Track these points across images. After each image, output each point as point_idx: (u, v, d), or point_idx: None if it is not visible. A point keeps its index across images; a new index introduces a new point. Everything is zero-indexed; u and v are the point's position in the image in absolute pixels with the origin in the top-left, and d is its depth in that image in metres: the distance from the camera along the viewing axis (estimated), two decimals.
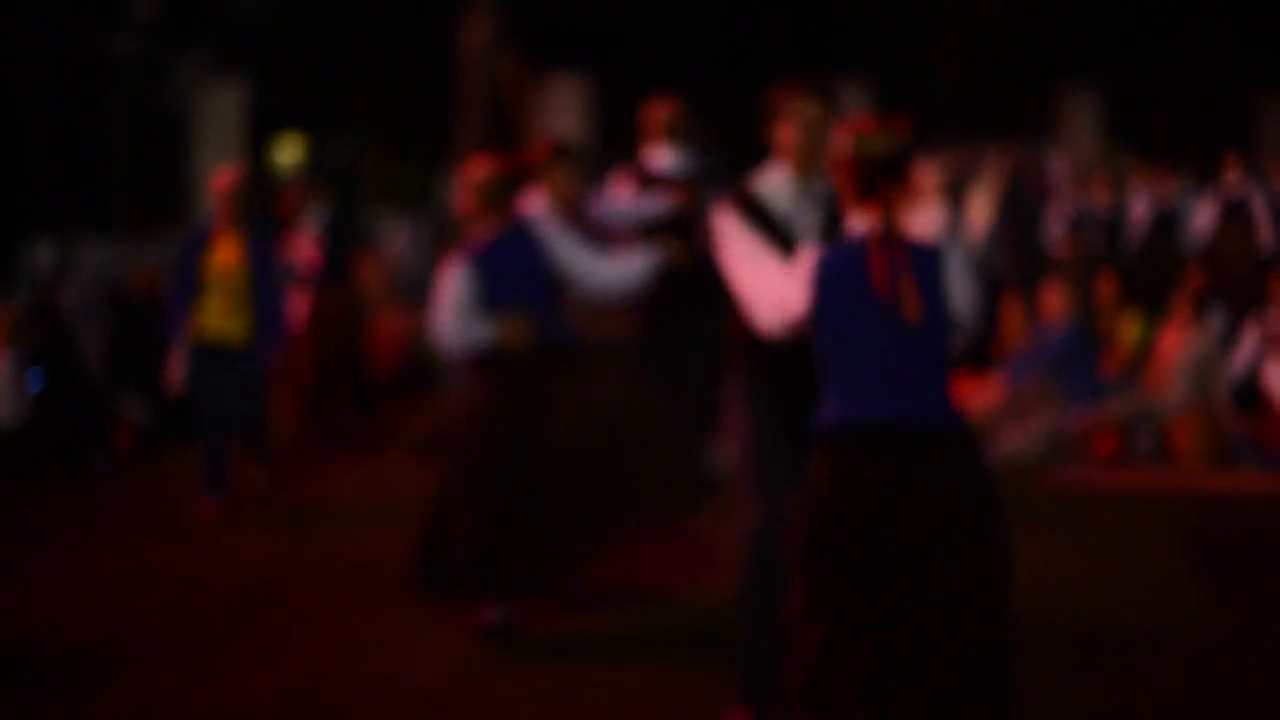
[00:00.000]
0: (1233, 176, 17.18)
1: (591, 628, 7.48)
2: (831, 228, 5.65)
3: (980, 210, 14.72)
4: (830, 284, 4.88)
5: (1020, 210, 14.87)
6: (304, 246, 12.37)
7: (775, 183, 5.79)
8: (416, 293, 19.49)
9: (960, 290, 4.89)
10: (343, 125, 25.02)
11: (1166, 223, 17.36)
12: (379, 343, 15.81)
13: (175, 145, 21.35)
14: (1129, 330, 13.79)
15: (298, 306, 12.44)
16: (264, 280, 10.03)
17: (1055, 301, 12.83)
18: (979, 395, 13.10)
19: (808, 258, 4.98)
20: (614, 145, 24.78)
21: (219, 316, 9.96)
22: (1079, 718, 6.15)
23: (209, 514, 9.94)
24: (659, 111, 9.61)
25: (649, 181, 9.40)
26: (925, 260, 4.86)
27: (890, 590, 4.64)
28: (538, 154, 8.15)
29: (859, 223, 4.94)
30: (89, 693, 6.67)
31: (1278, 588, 8.08)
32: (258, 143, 24.21)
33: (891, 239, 4.84)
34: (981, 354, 14.25)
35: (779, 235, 5.66)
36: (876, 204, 4.88)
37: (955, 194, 14.73)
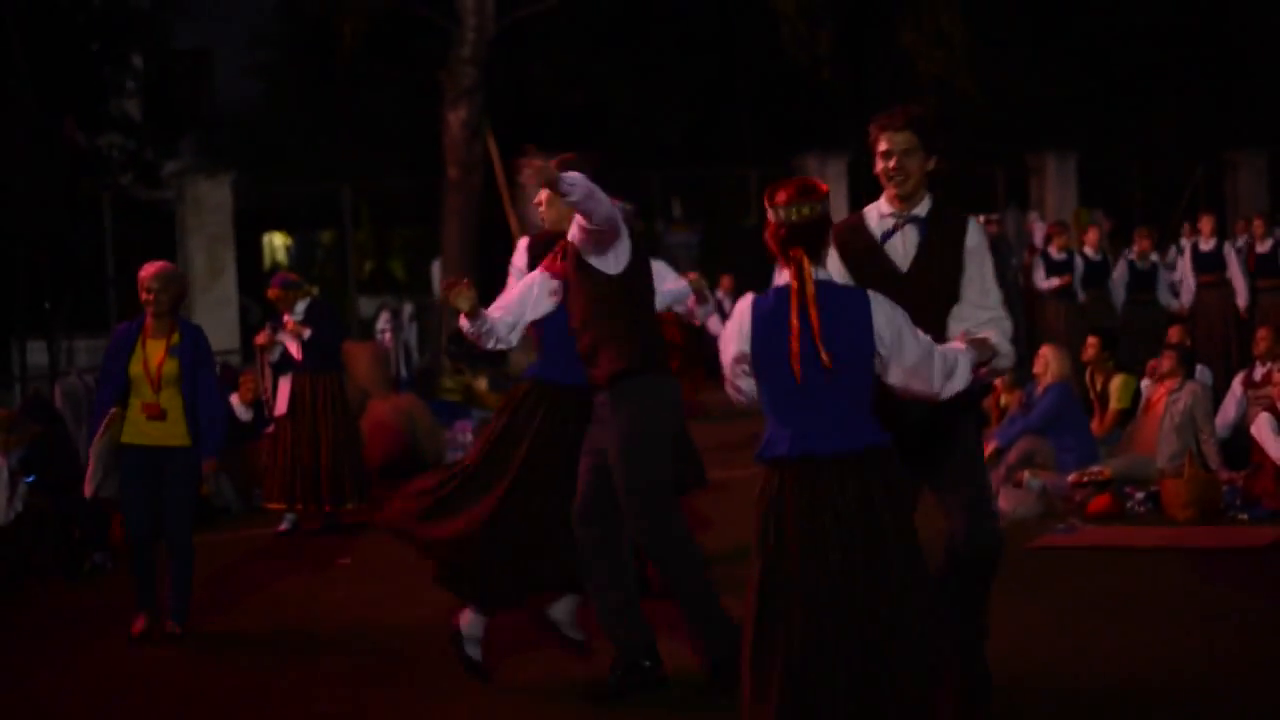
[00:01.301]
0: (1206, 236, 17.45)
1: None
2: (926, 252, 6.09)
3: None
4: (759, 328, 5.43)
5: (1003, 275, 14.95)
6: (288, 334, 12.39)
7: (875, 212, 6.30)
8: (409, 380, 19.60)
9: (891, 328, 5.35)
10: (331, 217, 25.12)
11: (1146, 280, 17.58)
12: (371, 430, 15.88)
13: (164, 240, 21.48)
14: (1117, 389, 13.88)
15: (283, 393, 12.51)
16: (197, 381, 9.12)
17: (1044, 362, 12.93)
18: None
19: (742, 304, 5.49)
20: None
21: (142, 419, 9.08)
22: None
23: (135, 632, 9.13)
24: None
25: None
26: (846, 306, 5.35)
27: (799, 599, 5.27)
28: None
29: (782, 276, 5.42)
30: None
31: (1276, 639, 8.10)
32: (247, 235, 24.37)
33: (805, 292, 5.32)
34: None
35: (875, 260, 6.14)
36: (792, 262, 5.37)
37: None
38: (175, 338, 9.10)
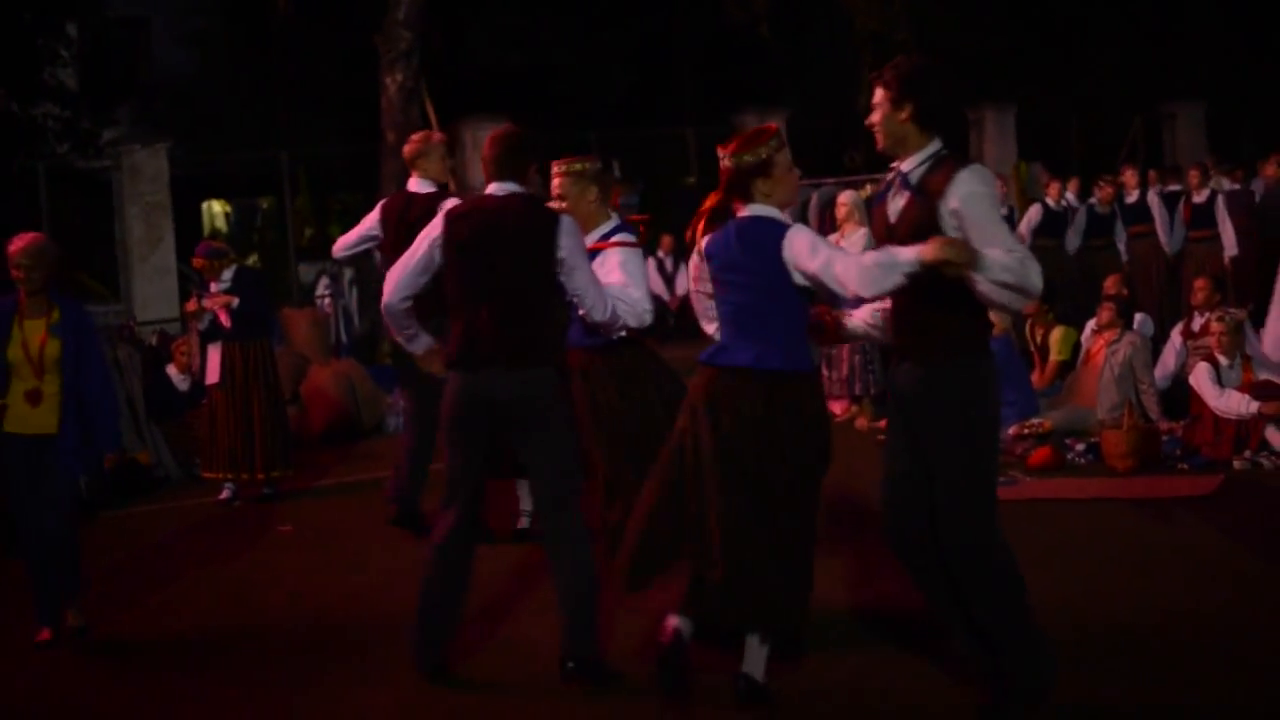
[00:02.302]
0: (1131, 188, 17.52)
1: None
2: (909, 208, 6.11)
3: None
4: (710, 260, 6.57)
5: None
6: (214, 303, 12.29)
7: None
8: (349, 346, 19.48)
9: (807, 258, 6.23)
10: (270, 184, 24.95)
11: (1105, 225, 17.63)
12: (311, 396, 15.80)
13: (102, 209, 21.28)
14: (1057, 341, 13.91)
15: (213, 362, 12.40)
16: (81, 362, 8.32)
17: None
18: None
19: (702, 243, 6.59)
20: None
21: (24, 406, 8.30)
22: None
23: (40, 640, 8.45)
24: None
25: None
26: (764, 239, 6.37)
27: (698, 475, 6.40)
28: None
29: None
30: None
31: (1219, 586, 8.13)
32: (186, 203, 24.16)
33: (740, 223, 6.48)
34: None
35: (878, 215, 6.31)
36: (740, 199, 6.50)
37: None
38: (55, 315, 8.28)
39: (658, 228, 22.37)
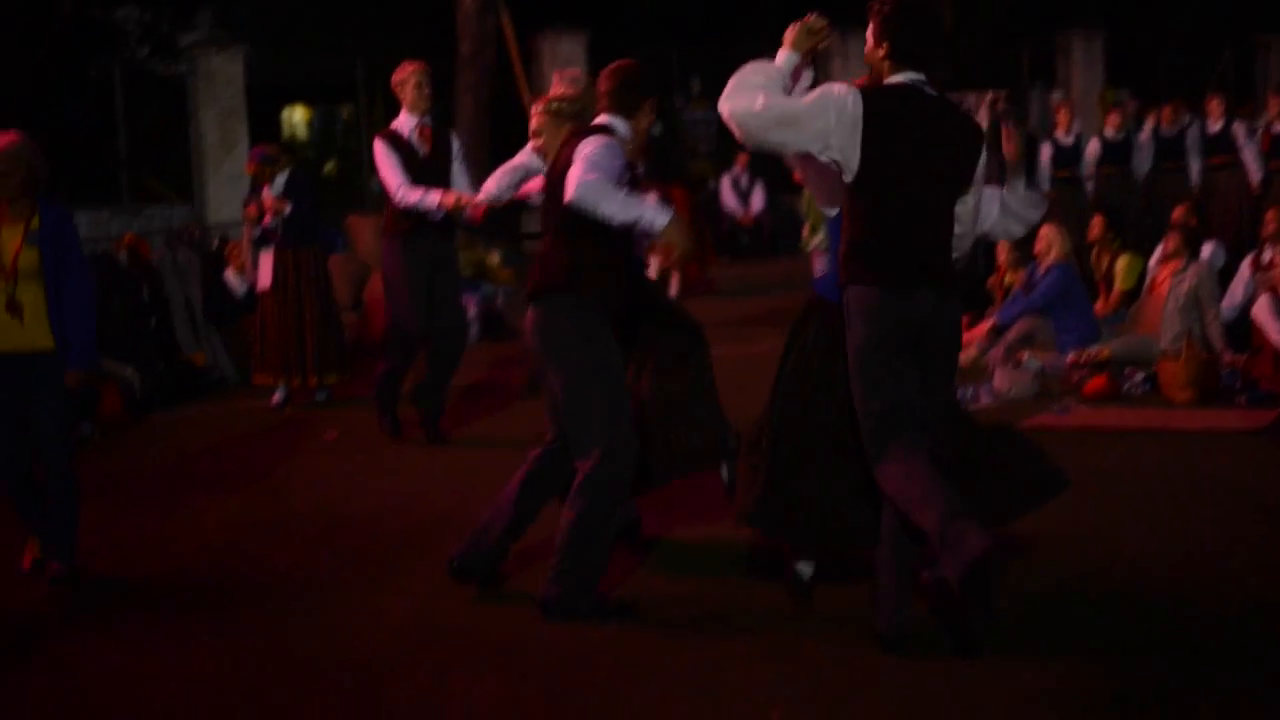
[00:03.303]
0: (1215, 118, 17.14)
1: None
2: None
3: None
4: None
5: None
6: (262, 207, 12.26)
7: None
8: None
9: None
10: (348, 92, 24.88)
11: (1172, 148, 17.28)
12: (372, 303, 15.77)
13: (177, 114, 21.28)
14: (1122, 269, 13.66)
15: (264, 267, 12.41)
16: (62, 273, 7.60)
17: (1045, 241, 12.71)
18: (971, 337, 13.02)
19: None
20: None
21: (3, 315, 7.56)
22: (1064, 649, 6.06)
23: (26, 563, 8.04)
24: None
25: None
26: None
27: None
28: None
29: None
30: (20, 661, 6.71)
31: (1256, 524, 7.94)
32: (265, 109, 24.13)
33: None
34: (976, 296, 14.15)
35: None
36: None
37: None
38: (35, 222, 7.57)
39: (732, 146, 22.17)
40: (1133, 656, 6.00)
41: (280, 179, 12.42)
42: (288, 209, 12.17)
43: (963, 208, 6.32)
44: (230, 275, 14.10)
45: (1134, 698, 5.58)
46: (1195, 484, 8.74)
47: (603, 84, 6.93)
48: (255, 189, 12.51)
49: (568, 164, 6.59)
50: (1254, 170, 17.09)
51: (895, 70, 6.16)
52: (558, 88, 7.99)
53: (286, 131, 29.39)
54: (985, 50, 25.03)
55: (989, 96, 14.94)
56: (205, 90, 20.98)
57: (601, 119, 6.87)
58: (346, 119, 29.49)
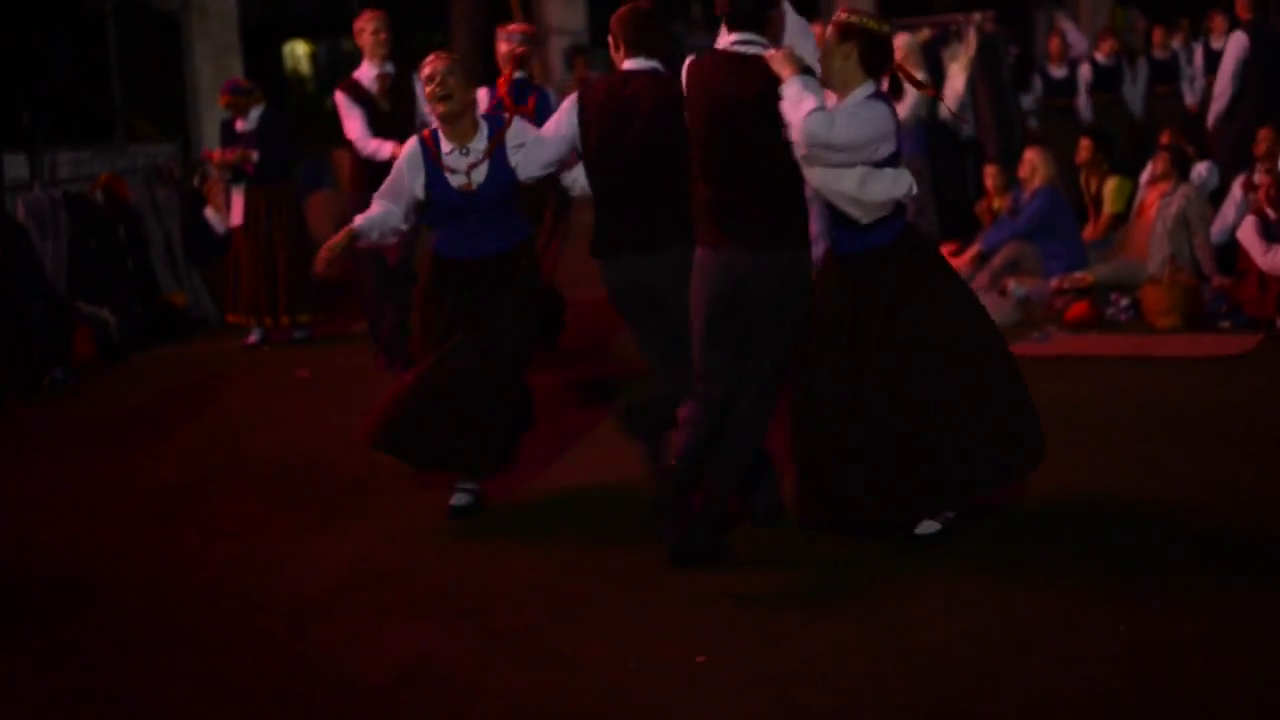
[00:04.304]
0: (1218, 34, 16.79)
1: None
2: None
3: (957, 78, 14.31)
4: None
5: (997, 76, 14.44)
6: (227, 157, 12.15)
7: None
8: None
9: None
10: (345, 26, 24.63)
11: (1166, 71, 16.98)
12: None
13: (171, 50, 21.08)
14: (1111, 192, 13.43)
15: (236, 205, 12.29)
16: None
17: (1030, 166, 12.49)
18: (956, 262, 12.82)
19: None
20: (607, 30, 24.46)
21: None
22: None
23: None
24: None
25: None
26: None
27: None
28: None
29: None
30: None
31: (1227, 452, 7.77)
32: (265, 44, 23.90)
33: None
34: (963, 221, 13.97)
35: None
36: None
37: (933, 62, 14.31)
38: None
39: None
40: (1068, 584, 5.86)
41: (254, 113, 12.28)
42: (255, 156, 12.04)
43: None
44: (210, 213, 13.95)
45: (1065, 626, 5.45)
46: (1166, 412, 8.58)
47: (629, 29, 6.74)
48: (229, 123, 12.35)
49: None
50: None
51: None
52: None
53: (289, 66, 29.19)
54: None
55: (975, 17, 14.67)
56: (199, 26, 20.78)
57: (627, 64, 6.73)
58: (348, 52, 29.29)
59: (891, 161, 6.24)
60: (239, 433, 9.55)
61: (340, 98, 10.48)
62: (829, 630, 5.62)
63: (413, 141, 7.06)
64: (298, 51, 29.64)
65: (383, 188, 7.18)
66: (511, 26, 10.13)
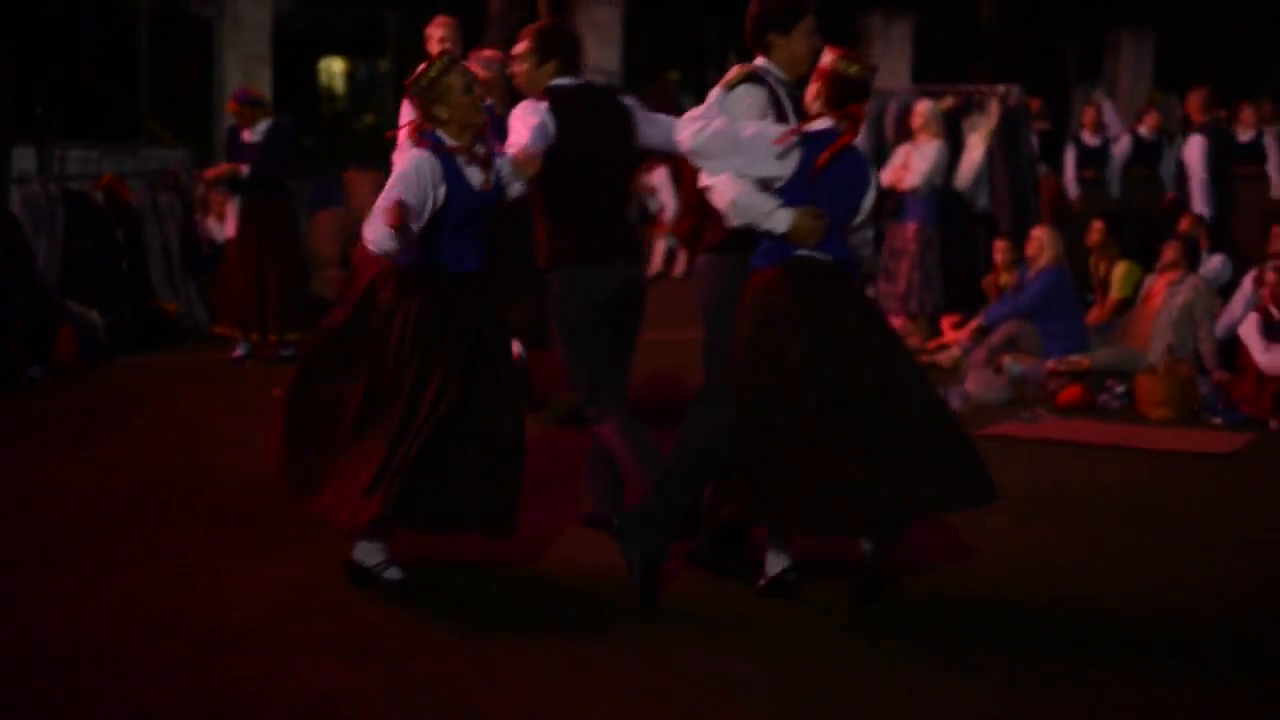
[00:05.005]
0: (1246, 125, 16.59)
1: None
2: None
3: (975, 148, 14.15)
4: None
5: (1016, 151, 14.27)
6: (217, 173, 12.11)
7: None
8: None
9: None
10: (379, 45, 24.62)
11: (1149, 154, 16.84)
12: (361, 261, 15.49)
13: (202, 55, 21.03)
14: (1119, 277, 13.24)
15: (230, 215, 12.20)
16: None
17: (1037, 244, 12.32)
18: (957, 337, 12.67)
19: None
20: (642, 71, 24.36)
21: None
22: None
23: None
24: None
25: None
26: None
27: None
28: None
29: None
30: None
31: (1210, 554, 7.57)
32: (300, 59, 23.86)
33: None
34: (969, 293, 13.81)
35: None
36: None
37: (953, 132, 14.15)
38: None
39: None
40: (1021, 672, 5.67)
41: (261, 126, 12.17)
42: (245, 170, 11.96)
43: None
44: (212, 223, 13.85)
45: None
46: (1153, 507, 8.38)
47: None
48: (235, 131, 12.25)
49: None
50: (1278, 183, 16.59)
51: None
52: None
53: (324, 82, 29.16)
54: (1030, 46, 24.58)
55: (1000, 89, 14.51)
56: (231, 34, 20.74)
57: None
58: (384, 73, 29.25)
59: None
60: (202, 447, 9.40)
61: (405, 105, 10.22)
62: (765, 709, 5.43)
63: (423, 154, 6.65)
64: (334, 68, 29.62)
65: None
66: (486, 53, 9.97)
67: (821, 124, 6.40)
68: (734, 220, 6.39)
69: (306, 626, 6.21)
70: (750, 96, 6.53)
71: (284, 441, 6.68)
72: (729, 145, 6.35)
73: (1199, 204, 14.43)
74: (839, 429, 6.19)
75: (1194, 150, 14.77)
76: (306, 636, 6.09)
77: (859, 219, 6.55)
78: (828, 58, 6.39)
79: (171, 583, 6.73)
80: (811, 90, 6.44)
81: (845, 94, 6.36)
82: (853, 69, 6.35)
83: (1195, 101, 15.25)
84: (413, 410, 6.41)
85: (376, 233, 6.28)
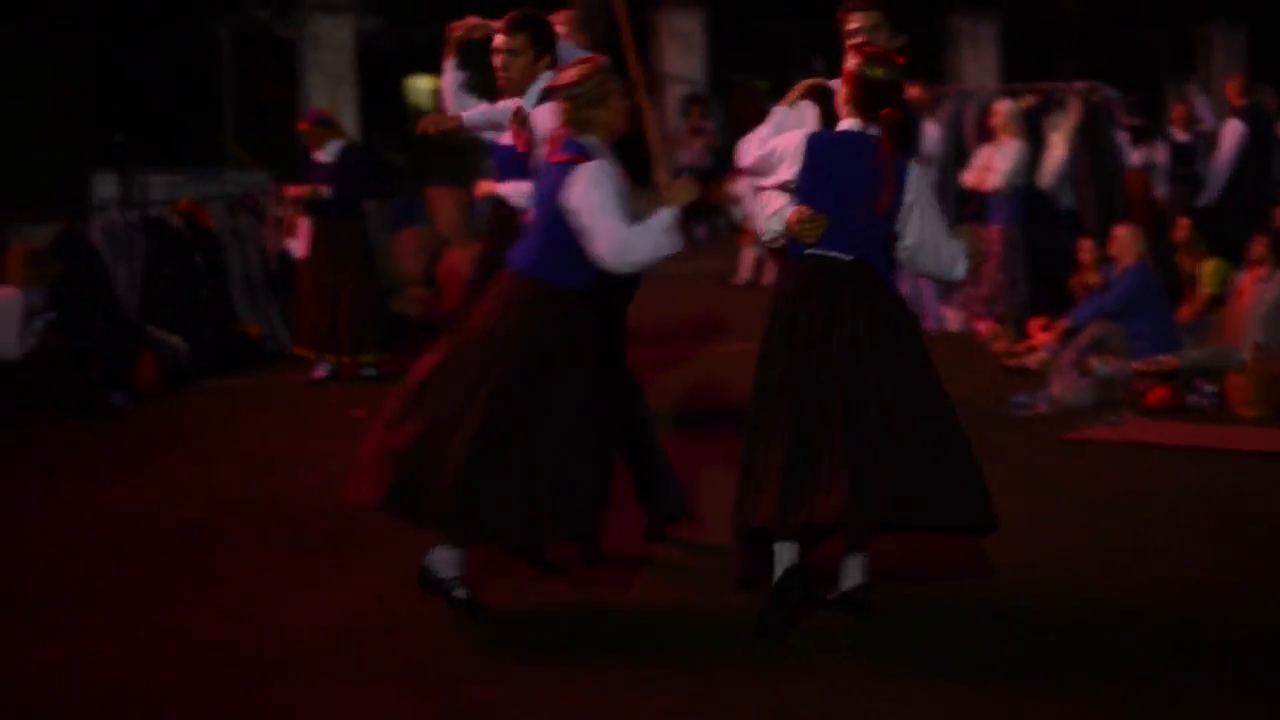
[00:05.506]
0: None
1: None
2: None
3: (1058, 147, 13.92)
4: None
5: (1100, 148, 14.02)
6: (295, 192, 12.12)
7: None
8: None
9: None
10: (463, 63, 24.57)
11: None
12: (445, 278, 15.50)
13: (288, 76, 21.15)
14: (1208, 273, 12.96)
15: (303, 235, 12.21)
16: None
17: (1120, 243, 12.08)
18: (1043, 339, 12.46)
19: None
20: (725, 80, 24.24)
21: None
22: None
23: None
24: None
25: None
26: None
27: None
28: None
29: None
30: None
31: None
32: (385, 77, 23.94)
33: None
34: (1056, 296, 13.56)
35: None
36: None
37: (1035, 131, 13.92)
38: None
39: None
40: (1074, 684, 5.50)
41: (332, 147, 12.16)
42: (326, 191, 11.95)
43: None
44: (291, 243, 13.87)
45: None
46: (1233, 512, 8.13)
47: None
48: (305, 151, 12.25)
49: None
50: None
51: None
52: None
53: (411, 100, 29.27)
54: (1118, 42, 24.24)
55: (1080, 86, 14.28)
56: (314, 55, 20.84)
57: None
58: (471, 90, 29.26)
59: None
60: (274, 471, 9.38)
61: None
62: None
63: (600, 165, 6.32)
64: (421, 86, 29.72)
65: None
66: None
67: (847, 125, 6.28)
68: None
69: (355, 654, 6.15)
70: (810, 112, 6.57)
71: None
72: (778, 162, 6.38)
73: (1212, 192, 14.17)
74: (808, 425, 6.04)
75: (1230, 135, 14.58)
76: (354, 664, 6.03)
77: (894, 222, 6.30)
78: (853, 61, 6.28)
79: (224, 610, 6.71)
80: (840, 94, 6.33)
81: (873, 97, 6.21)
82: (877, 71, 6.21)
83: (1234, 87, 14.96)
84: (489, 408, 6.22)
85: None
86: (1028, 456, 9.47)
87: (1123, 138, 15.37)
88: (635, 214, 6.27)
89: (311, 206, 12.08)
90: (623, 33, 17.19)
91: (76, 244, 12.18)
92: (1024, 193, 13.67)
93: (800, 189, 6.26)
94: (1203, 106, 19.38)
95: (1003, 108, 13.71)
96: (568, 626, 6.47)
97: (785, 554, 6.22)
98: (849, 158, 6.22)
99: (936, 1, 24.27)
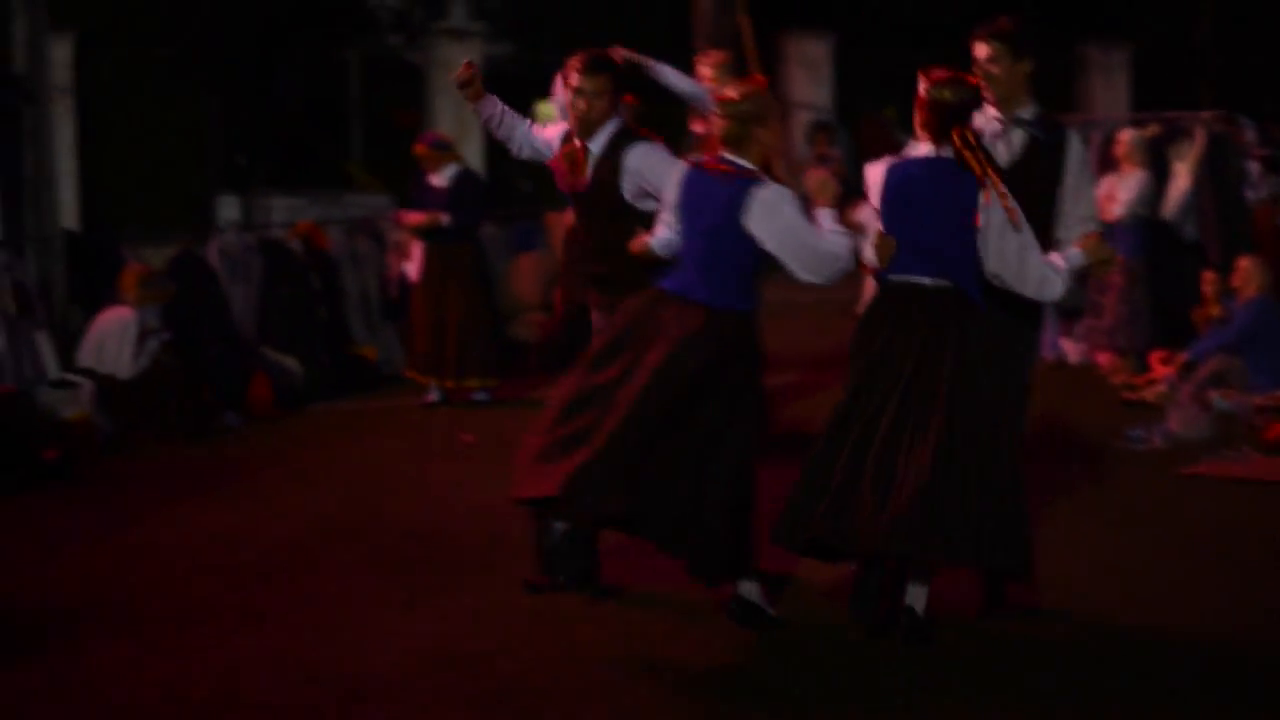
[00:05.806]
0: None
1: None
2: (1029, 154, 6.68)
3: (1181, 177, 13.68)
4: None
5: (1224, 179, 13.76)
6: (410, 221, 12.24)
7: (981, 116, 6.55)
8: None
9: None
10: None
11: None
12: (559, 304, 15.48)
13: (415, 100, 21.27)
14: None
15: (415, 258, 12.27)
16: None
17: (1243, 274, 11.84)
18: (1163, 371, 12.25)
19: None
20: (852, 107, 24.10)
21: None
22: None
23: None
24: None
25: None
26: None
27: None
28: None
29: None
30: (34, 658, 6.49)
31: None
32: (515, 104, 23.99)
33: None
34: (1179, 329, 13.31)
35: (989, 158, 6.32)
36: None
37: (1158, 161, 13.70)
38: None
39: None
40: None
41: (448, 170, 12.24)
42: (445, 219, 12.00)
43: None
44: (409, 267, 13.93)
45: None
46: None
47: None
48: (420, 175, 12.32)
49: None
50: None
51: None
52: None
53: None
54: (1252, 69, 23.84)
55: (1205, 116, 14.03)
56: (440, 80, 20.92)
57: None
58: None
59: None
60: (377, 494, 9.40)
61: None
62: None
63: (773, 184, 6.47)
64: (549, 112, 29.91)
65: None
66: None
67: (920, 150, 6.39)
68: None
69: (442, 678, 6.13)
70: None
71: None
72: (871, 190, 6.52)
73: None
74: (859, 449, 6.13)
75: None
76: (441, 690, 6.01)
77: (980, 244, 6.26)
78: (923, 84, 6.32)
79: (316, 631, 6.72)
80: (916, 118, 6.32)
81: (944, 119, 6.26)
82: (945, 94, 6.26)
83: None
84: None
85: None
86: (1140, 490, 9.30)
87: (1254, 168, 15.08)
88: None
89: (428, 234, 12.13)
90: (749, 59, 17.19)
91: (194, 265, 12.32)
92: (1147, 223, 13.46)
93: (881, 215, 6.36)
94: None
95: (1126, 137, 13.52)
96: (660, 650, 6.41)
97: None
98: (919, 182, 6.30)
99: (1068, 31, 24.01)
